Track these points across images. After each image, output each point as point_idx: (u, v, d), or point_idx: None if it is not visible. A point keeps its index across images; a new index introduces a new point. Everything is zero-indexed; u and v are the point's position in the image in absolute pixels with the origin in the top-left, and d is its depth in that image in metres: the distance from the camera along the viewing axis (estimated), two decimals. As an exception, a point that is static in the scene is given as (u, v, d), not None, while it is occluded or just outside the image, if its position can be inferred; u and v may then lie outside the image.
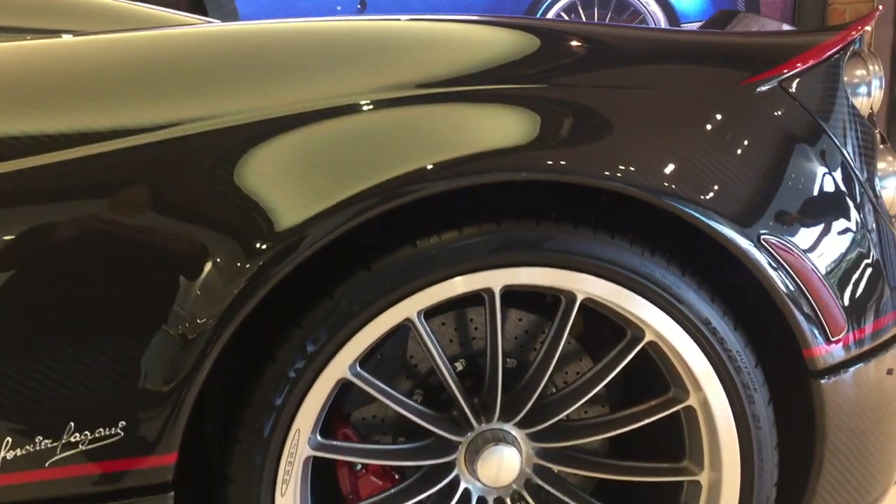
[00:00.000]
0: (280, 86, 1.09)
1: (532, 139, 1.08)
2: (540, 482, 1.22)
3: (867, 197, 1.24)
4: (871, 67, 1.31)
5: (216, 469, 1.13)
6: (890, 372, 1.26)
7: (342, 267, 1.08)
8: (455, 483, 1.20)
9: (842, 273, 1.18)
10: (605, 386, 1.20)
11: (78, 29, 1.62)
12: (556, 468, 1.24)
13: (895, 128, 4.27)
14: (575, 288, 1.12)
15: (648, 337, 1.15)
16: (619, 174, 1.08)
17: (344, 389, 1.20)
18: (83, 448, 0.99)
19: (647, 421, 1.20)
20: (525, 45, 1.18)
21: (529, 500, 1.23)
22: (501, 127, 1.09)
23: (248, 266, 1.00)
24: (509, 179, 1.07)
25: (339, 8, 4.46)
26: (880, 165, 1.30)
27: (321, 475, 1.20)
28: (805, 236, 1.16)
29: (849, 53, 1.27)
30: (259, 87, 1.08)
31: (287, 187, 1.03)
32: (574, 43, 1.21)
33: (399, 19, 1.23)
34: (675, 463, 1.23)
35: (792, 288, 1.13)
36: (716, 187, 1.12)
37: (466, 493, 1.21)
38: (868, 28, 1.33)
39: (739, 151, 1.15)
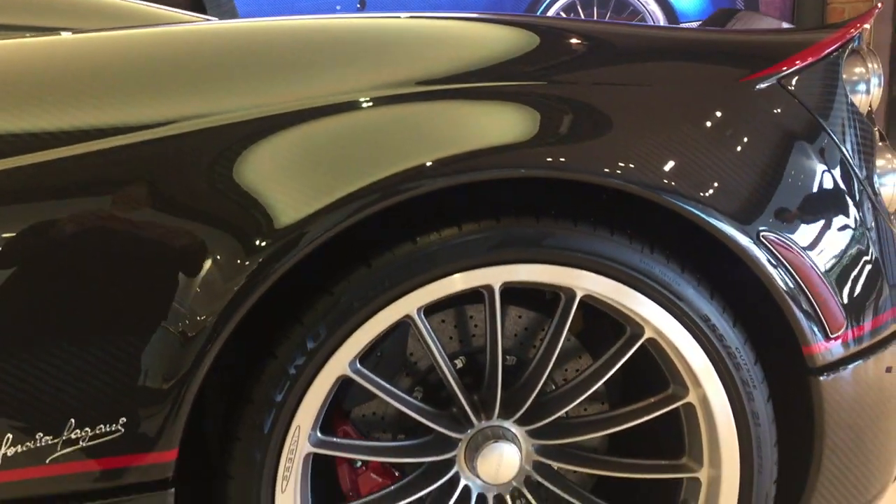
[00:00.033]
0: (280, 83, 1.09)
1: (531, 136, 1.08)
2: (540, 479, 1.22)
3: (866, 194, 1.24)
4: (869, 65, 1.31)
5: (216, 466, 1.13)
6: (889, 370, 1.26)
7: (341, 264, 1.08)
8: (455, 480, 1.20)
9: (841, 270, 1.18)
10: (604, 383, 1.20)
11: (77, 27, 1.62)
12: (555, 465, 1.24)
13: (894, 126, 4.27)
14: (574, 285, 1.12)
15: (648, 334, 1.15)
16: (618, 171, 1.08)
17: (344, 386, 1.20)
18: (84, 445, 0.99)
19: (646, 418, 1.20)
20: (524, 42, 1.18)
21: (529, 497, 1.23)
22: (501, 124, 1.09)
23: (247, 263, 1.00)
24: (508, 176, 1.07)
25: (338, 7, 4.46)
26: (879, 163, 1.30)
27: (321, 472, 1.21)
28: (804, 233, 1.16)
29: (848, 51, 1.28)
30: (259, 84, 1.09)
31: (287, 184, 1.03)
32: (573, 40, 1.21)
33: (398, 17, 1.24)
34: (675, 460, 1.24)
35: (791, 285, 1.14)
36: (715, 184, 1.12)
37: (466, 490, 1.21)
38: (867, 26, 1.33)
39: (739, 149, 1.15)
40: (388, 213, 1.05)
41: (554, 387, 1.31)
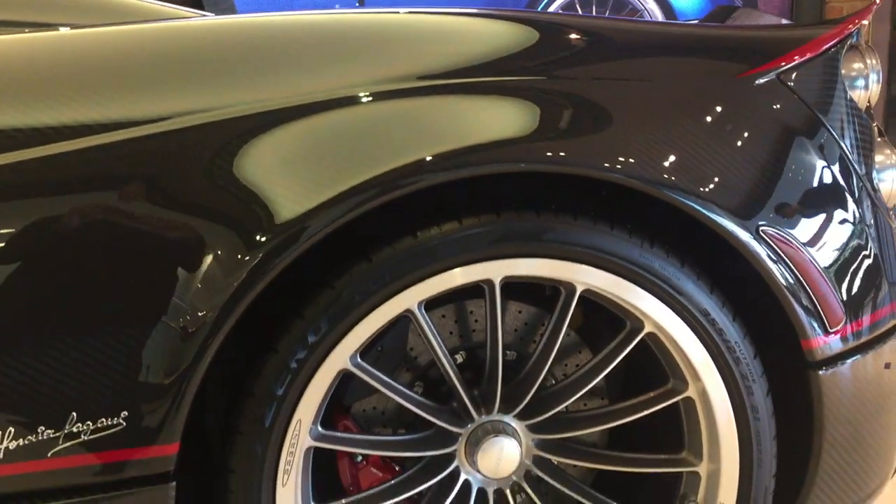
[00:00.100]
0: (281, 78, 1.09)
1: (531, 131, 1.08)
2: (540, 474, 1.22)
3: (865, 189, 1.25)
4: (868, 61, 1.31)
5: (218, 460, 1.13)
6: (888, 366, 1.27)
7: (341, 258, 1.09)
8: (455, 474, 1.20)
9: (840, 265, 1.19)
10: (604, 378, 1.21)
11: (77, 23, 1.62)
12: (555, 460, 1.24)
13: (893, 125, 4.28)
14: (574, 279, 1.12)
15: (647, 328, 1.16)
16: (618, 166, 1.08)
17: (344, 381, 1.20)
18: (85, 438, 1.00)
19: (645, 412, 1.20)
20: (524, 37, 1.18)
21: (529, 491, 1.23)
22: (501, 119, 1.09)
23: (248, 258, 1.01)
24: (509, 171, 1.07)
25: (337, 6, 4.47)
26: (878, 158, 1.30)
27: (322, 467, 1.21)
28: (804, 228, 1.16)
29: (846, 47, 1.28)
30: (260, 79, 1.09)
31: (287, 179, 1.03)
32: (573, 35, 1.21)
33: (398, 12, 1.24)
34: (674, 454, 1.24)
35: (790, 279, 1.14)
36: (715, 179, 1.12)
37: (466, 484, 1.21)
38: (865, 22, 1.33)
39: (738, 144, 1.16)
40: (387, 208, 1.05)
41: (554, 381, 1.31)
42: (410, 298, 1.09)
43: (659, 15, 4.74)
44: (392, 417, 1.32)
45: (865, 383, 1.23)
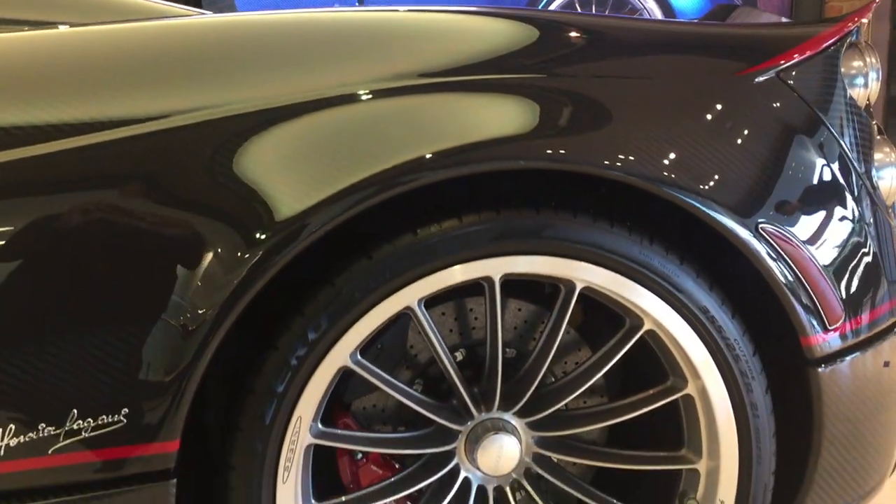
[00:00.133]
0: (281, 76, 1.09)
1: (531, 128, 1.08)
2: (539, 471, 1.23)
3: (864, 187, 1.25)
4: (868, 59, 1.31)
5: (218, 457, 1.13)
6: (887, 364, 1.27)
7: (341, 256, 1.09)
8: (455, 472, 1.20)
9: (839, 262, 1.19)
10: (603, 376, 1.21)
11: (76, 21, 1.62)
12: (555, 457, 1.24)
13: (892, 125, 4.28)
14: (574, 276, 1.13)
15: (647, 325, 1.16)
16: (618, 163, 1.08)
17: (345, 379, 1.20)
18: (86, 435, 1.00)
19: (645, 409, 1.20)
20: (524, 35, 1.18)
21: (529, 488, 1.24)
22: (501, 116, 1.09)
23: (248, 255, 1.01)
24: (508, 168, 1.07)
25: (336, 4, 4.47)
26: (877, 156, 1.30)
27: (322, 465, 1.21)
28: (803, 226, 1.17)
29: (846, 45, 1.28)
30: (260, 76, 1.09)
31: (288, 176, 1.03)
32: (573, 33, 1.21)
33: (398, 10, 1.24)
34: (674, 452, 1.24)
35: (789, 277, 1.14)
36: (714, 177, 1.12)
37: (466, 481, 1.21)
38: (865, 20, 1.33)
39: (738, 141, 1.16)
40: (387, 205, 1.05)
41: (553, 379, 1.32)
42: (410, 296, 1.09)
43: (658, 14, 4.74)
44: (392, 415, 1.32)
45: (864, 381, 1.24)
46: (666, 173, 1.10)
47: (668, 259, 1.13)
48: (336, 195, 1.02)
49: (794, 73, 1.21)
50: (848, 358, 1.21)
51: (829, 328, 1.17)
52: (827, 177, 1.21)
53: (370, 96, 1.07)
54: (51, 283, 1.01)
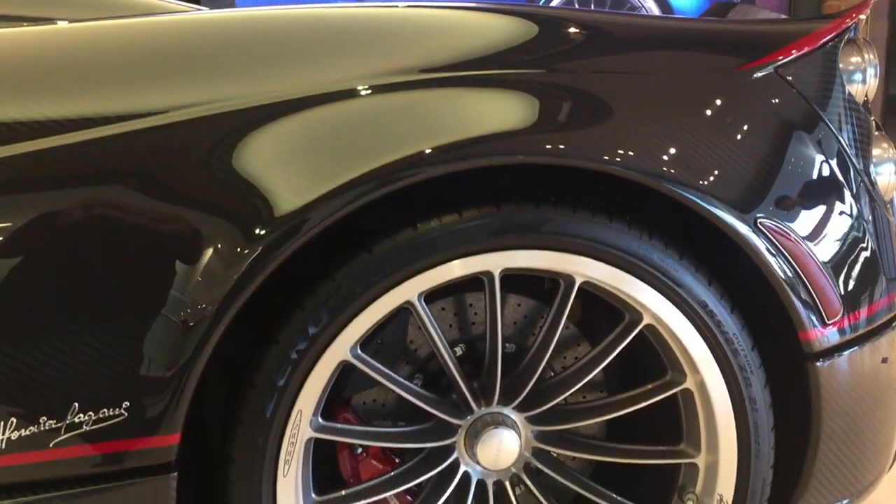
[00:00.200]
0: (280, 71, 1.09)
1: (531, 123, 1.09)
2: (539, 465, 1.23)
3: (863, 183, 1.25)
4: (866, 55, 1.32)
5: (218, 452, 1.13)
6: (885, 361, 1.28)
7: (340, 250, 1.09)
8: (455, 466, 1.21)
9: (837, 257, 1.19)
10: (602, 371, 1.21)
11: (74, 18, 1.62)
12: (554, 451, 1.25)
13: (891, 124, 4.29)
14: (573, 271, 1.13)
15: (646, 320, 1.16)
16: (617, 158, 1.09)
17: (345, 374, 1.20)
18: (87, 429, 1.00)
19: (644, 404, 1.21)
20: (524, 31, 1.18)
21: (528, 483, 1.24)
22: (500, 111, 1.09)
23: (248, 251, 1.01)
24: (508, 163, 1.08)
25: (336, 1, 4.46)
26: (875, 152, 1.31)
27: (322, 459, 1.21)
28: (801, 221, 1.17)
29: (844, 41, 1.28)
30: (259, 72, 1.09)
31: (287, 172, 1.03)
32: (572, 29, 1.22)
33: (397, 6, 1.24)
34: (673, 446, 1.25)
35: (788, 271, 1.15)
36: (713, 172, 1.13)
37: (466, 476, 1.22)
38: (863, 16, 1.34)
39: (736, 137, 1.16)
40: (388, 200, 1.05)
41: (553, 374, 1.32)
42: (410, 290, 1.09)
43: (657, 13, 4.75)
44: (392, 410, 1.33)
45: (862, 375, 1.24)
46: (665, 168, 1.10)
47: (667, 254, 1.13)
48: (336, 190, 1.02)
49: (792, 69, 1.22)
50: (846, 353, 1.21)
51: (828, 323, 1.18)
52: (825, 172, 1.21)
53: (370, 91, 1.07)
54: (52, 279, 1.01)
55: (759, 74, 1.20)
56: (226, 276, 1.01)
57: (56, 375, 0.99)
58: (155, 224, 1.02)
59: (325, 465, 1.24)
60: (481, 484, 1.23)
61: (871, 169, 1.29)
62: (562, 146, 1.08)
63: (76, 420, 1.00)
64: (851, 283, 1.20)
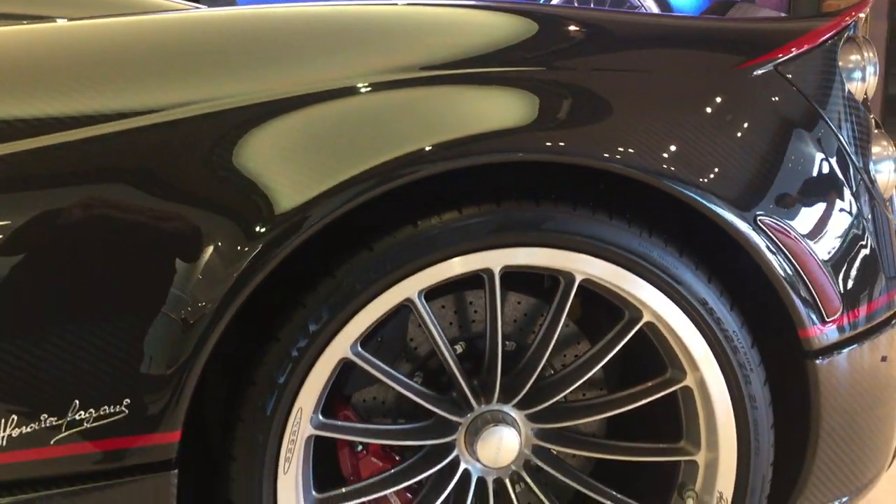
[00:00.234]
0: (281, 68, 1.09)
1: (531, 121, 1.09)
2: (539, 463, 1.23)
3: (862, 181, 1.25)
4: (865, 53, 1.32)
5: (219, 449, 1.14)
6: (884, 359, 1.28)
7: (340, 248, 1.09)
8: (455, 463, 1.21)
9: (837, 255, 1.19)
10: (602, 369, 1.21)
11: (74, 16, 1.62)
12: (554, 449, 1.25)
13: (890, 124, 4.29)
14: (573, 268, 1.13)
15: (646, 317, 1.16)
16: (617, 156, 1.09)
17: (345, 371, 1.21)
18: (88, 426, 1.00)
19: (644, 401, 1.21)
20: (524, 28, 1.19)
21: (528, 480, 1.24)
22: (500, 109, 1.10)
23: (248, 249, 1.01)
24: (508, 160, 1.08)
25: None
26: (875, 150, 1.31)
27: (322, 460, 1.21)
28: (801, 219, 1.17)
29: (843, 39, 1.29)
30: (260, 69, 1.09)
31: (288, 169, 1.03)
32: (572, 27, 1.22)
33: (398, 3, 1.24)
34: (672, 443, 1.25)
35: (788, 269, 1.15)
36: (713, 170, 1.13)
37: (466, 473, 1.22)
38: (862, 15, 1.34)
39: (736, 134, 1.16)
40: (388, 197, 1.05)
41: (553, 371, 1.32)
42: (411, 287, 1.09)
43: (656, 11, 4.75)
44: (392, 408, 1.33)
45: (862, 373, 1.24)
46: (665, 166, 1.10)
47: (667, 251, 1.14)
48: (336, 187, 1.02)
49: (792, 67, 1.22)
50: (845, 350, 1.21)
51: (827, 320, 1.18)
52: (825, 170, 1.21)
53: (370, 89, 1.08)
54: (53, 276, 1.01)
55: (759, 72, 1.20)
56: (226, 273, 1.01)
57: (57, 373, 0.99)
58: (155, 221, 1.02)
59: (325, 462, 1.24)
60: (481, 481, 1.23)
61: (871, 167, 1.30)
62: (562, 143, 1.08)
63: (77, 417, 1.00)
64: (851, 281, 1.21)
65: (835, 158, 1.22)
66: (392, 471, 1.21)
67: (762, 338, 1.21)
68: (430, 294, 1.14)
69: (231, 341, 1.07)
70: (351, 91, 1.07)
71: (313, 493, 1.15)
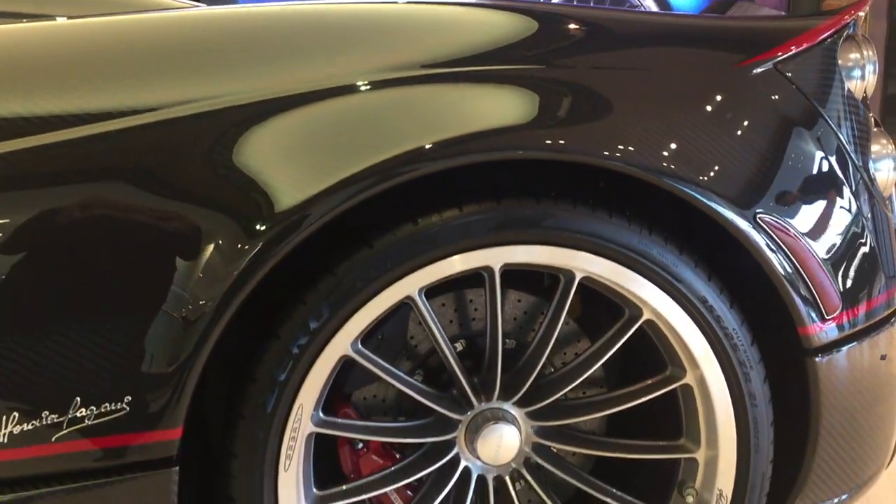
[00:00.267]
0: (281, 66, 1.10)
1: (531, 119, 1.09)
2: (539, 461, 1.23)
3: (862, 179, 1.26)
4: (864, 52, 1.32)
5: (219, 446, 1.14)
6: (884, 357, 1.28)
7: (340, 245, 1.09)
8: (455, 461, 1.21)
9: (836, 253, 1.20)
10: (602, 366, 1.21)
11: (74, 14, 1.63)
12: (554, 447, 1.25)
13: (890, 123, 4.29)
14: (573, 266, 1.13)
15: (646, 315, 1.17)
16: (617, 154, 1.09)
17: (346, 369, 1.21)
18: (89, 423, 1.00)
19: (644, 399, 1.21)
20: (524, 26, 1.19)
21: (529, 478, 1.24)
22: (500, 107, 1.10)
23: (248, 247, 1.01)
24: (508, 158, 1.08)
25: None
26: (874, 148, 1.31)
27: (322, 458, 1.21)
28: (801, 217, 1.17)
29: (843, 37, 1.29)
30: (260, 67, 1.09)
31: (288, 167, 1.04)
32: (572, 25, 1.22)
33: (398, 1, 1.25)
34: (672, 441, 1.25)
35: (788, 267, 1.15)
36: (713, 168, 1.13)
37: (466, 471, 1.22)
38: (861, 13, 1.34)
39: (736, 133, 1.17)
40: (389, 195, 1.06)
41: (553, 369, 1.32)
42: (411, 285, 1.09)
43: (655, 9, 4.74)
44: (392, 405, 1.33)
45: (861, 371, 1.25)
46: (665, 164, 1.11)
47: (667, 249, 1.14)
48: (336, 185, 1.02)
49: (791, 65, 1.22)
50: (845, 348, 1.21)
51: (827, 318, 1.18)
52: (825, 168, 1.22)
53: (370, 87, 1.08)
54: (53, 274, 1.01)
55: (759, 70, 1.20)
56: (226, 271, 1.01)
57: (58, 370, 1.00)
58: (156, 220, 1.02)
59: (325, 460, 1.24)
60: (481, 479, 1.23)
61: (870, 165, 1.30)
62: (562, 141, 1.08)
63: (78, 414, 1.00)
64: (850, 279, 1.21)
65: (834, 157, 1.22)
66: (392, 468, 1.22)
67: (762, 335, 1.21)
68: (431, 292, 1.14)
69: (232, 339, 1.07)
70: (351, 89, 1.07)
71: (314, 490, 1.16)
